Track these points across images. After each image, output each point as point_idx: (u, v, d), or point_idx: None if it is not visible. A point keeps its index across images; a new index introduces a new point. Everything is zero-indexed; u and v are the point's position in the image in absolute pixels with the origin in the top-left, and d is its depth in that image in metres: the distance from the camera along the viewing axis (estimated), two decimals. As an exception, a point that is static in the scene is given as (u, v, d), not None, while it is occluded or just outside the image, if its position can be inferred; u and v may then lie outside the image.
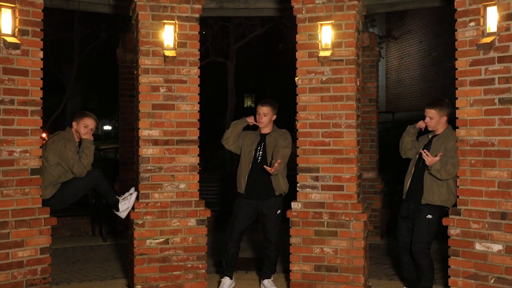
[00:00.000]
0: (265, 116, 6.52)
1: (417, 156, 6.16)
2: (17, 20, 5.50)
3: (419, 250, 5.95)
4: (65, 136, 6.32)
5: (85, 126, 6.33)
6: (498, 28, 5.34)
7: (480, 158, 5.48)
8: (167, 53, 6.30)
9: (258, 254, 8.29)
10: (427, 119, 6.06)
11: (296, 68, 6.33)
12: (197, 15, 6.42)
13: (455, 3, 5.64)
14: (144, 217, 6.26)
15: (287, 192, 6.67)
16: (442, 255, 7.06)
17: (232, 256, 6.65)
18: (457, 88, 5.64)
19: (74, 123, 6.37)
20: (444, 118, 6.06)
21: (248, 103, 36.27)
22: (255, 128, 6.72)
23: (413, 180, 6.13)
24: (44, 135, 15.79)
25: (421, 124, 6.19)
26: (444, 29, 19.52)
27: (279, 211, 6.59)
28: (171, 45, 6.34)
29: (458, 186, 5.65)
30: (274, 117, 6.60)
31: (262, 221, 6.66)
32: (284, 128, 6.67)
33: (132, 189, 6.45)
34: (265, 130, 6.61)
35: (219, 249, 8.19)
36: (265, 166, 6.23)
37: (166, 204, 6.32)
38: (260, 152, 6.55)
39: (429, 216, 5.94)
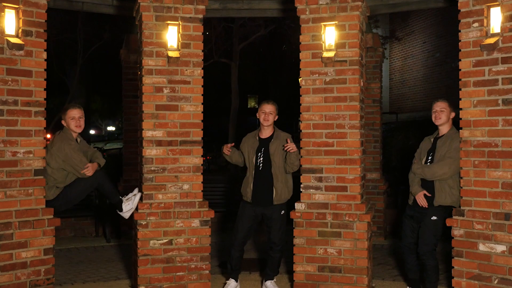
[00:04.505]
0: (271, 114, 6.48)
1: (422, 161, 6.11)
2: (20, 21, 5.51)
3: (425, 251, 5.94)
4: (65, 136, 6.19)
5: (71, 119, 6.20)
6: (502, 29, 5.33)
7: (484, 159, 5.47)
8: (170, 54, 6.30)
9: (261, 254, 8.29)
10: (438, 113, 5.98)
11: (300, 69, 6.33)
12: (200, 16, 6.42)
13: (458, 4, 5.63)
14: (148, 218, 6.26)
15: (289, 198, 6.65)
16: (445, 255, 7.04)
17: (236, 259, 6.64)
18: (460, 89, 5.63)
19: (62, 122, 6.25)
20: (453, 114, 6.03)
21: (251, 104, 36.31)
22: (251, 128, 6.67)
23: (421, 184, 6.08)
24: (48, 135, 15.81)
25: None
26: (447, 30, 19.50)
27: (283, 211, 6.57)
28: (175, 46, 6.34)
29: (461, 187, 5.64)
30: (276, 117, 6.57)
31: (266, 223, 6.66)
32: (286, 130, 6.62)
33: (136, 190, 6.44)
34: (267, 133, 6.57)
35: (223, 250, 8.22)
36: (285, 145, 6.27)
37: (169, 205, 6.32)
38: (261, 159, 6.51)
39: (434, 218, 5.92)
